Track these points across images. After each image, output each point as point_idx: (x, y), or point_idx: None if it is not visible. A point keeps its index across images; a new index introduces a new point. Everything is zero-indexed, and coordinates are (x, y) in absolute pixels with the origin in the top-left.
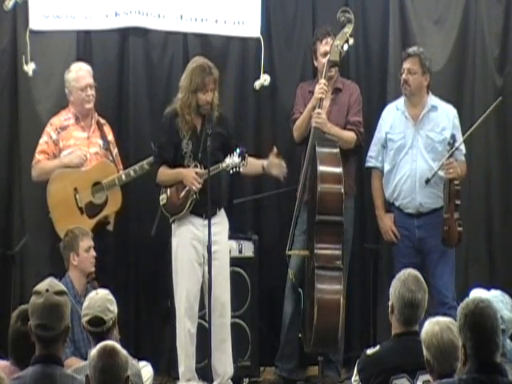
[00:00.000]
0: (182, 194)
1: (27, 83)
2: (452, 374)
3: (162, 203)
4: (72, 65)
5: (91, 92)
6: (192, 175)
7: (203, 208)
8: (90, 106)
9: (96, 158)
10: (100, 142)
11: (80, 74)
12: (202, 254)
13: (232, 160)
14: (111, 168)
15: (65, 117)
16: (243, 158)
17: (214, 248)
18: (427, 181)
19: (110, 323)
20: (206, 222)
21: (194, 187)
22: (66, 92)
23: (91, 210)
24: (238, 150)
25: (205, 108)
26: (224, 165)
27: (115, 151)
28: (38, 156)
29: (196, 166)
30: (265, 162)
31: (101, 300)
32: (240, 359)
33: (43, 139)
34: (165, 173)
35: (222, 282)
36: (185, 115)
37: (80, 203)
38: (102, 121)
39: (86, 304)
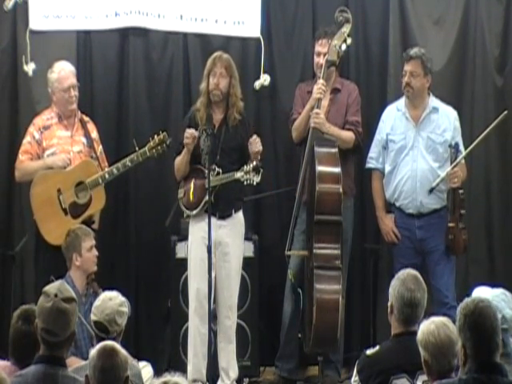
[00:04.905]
0: (198, 193)
1: (27, 83)
2: (451, 372)
3: (179, 196)
4: (55, 64)
5: (74, 93)
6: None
7: (216, 208)
8: (73, 106)
9: (80, 157)
10: (83, 140)
11: (62, 74)
12: (215, 254)
13: (246, 174)
14: (94, 167)
15: (47, 116)
16: (257, 172)
17: (224, 250)
18: (431, 190)
19: (114, 334)
20: (219, 221)
21: (186, 140)
22: (48, 91)
23: (75, 210)
24: (253, 163)
25: (214, 94)
26: (238, 175)
27: (100, 148)
28: (21, 157)
29: (213, 169)
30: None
31: (111, 309)
32: (240, 359)
33: (26, 139)
34: (177, 159)
35: (230, 284)
36: (201, 107)
37: (64, 204)
38: (86, 118)
39: (97, 303)
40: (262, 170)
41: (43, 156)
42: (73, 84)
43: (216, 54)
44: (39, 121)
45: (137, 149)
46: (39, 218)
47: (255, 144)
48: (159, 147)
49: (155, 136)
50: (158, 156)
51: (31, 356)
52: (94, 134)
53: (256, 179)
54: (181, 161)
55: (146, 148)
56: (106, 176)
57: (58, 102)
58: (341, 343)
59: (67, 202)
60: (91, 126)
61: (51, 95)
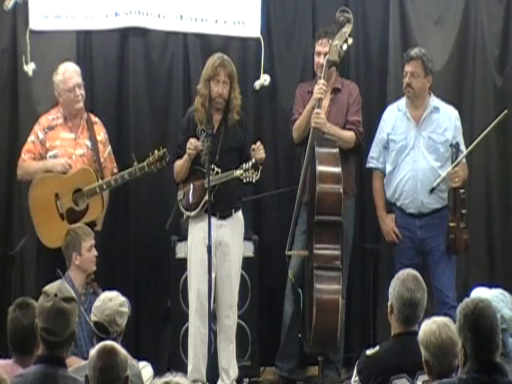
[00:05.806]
0: (197, 194)
1: (27, 83)
2: (451, 373)
3: (178, 198)
4: (59, 66)
5: (80, 92)
6: (190, 141)
7: (216, 207)
8: (80, 105)
9: (82, 160)
10: (88, 143)
11: (66, 75)
12: (215, 254)
13: (245, 172)
14: (92, 176)
15: (53, 116)
16: (256, 169)
17: (225, 250)
18: (432, 190)
19: (114, 335)
20: (220, 221)
21: (188, 151)
22: (55, 94)
23: (72, 216)
24: (252, 161)
25: (218, 101)
26: (237, 173)
27: (108, 149)
28: (23, 155)
29: (213, 169)
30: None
31: (111, 310)
32: (240, 359)
33: (30, 138)
34: (177, 163)
35: (231, 284)
36: (199, 107)
37: (61, 209)
38: (94, 119)
39: (97, 304)
40: (261, 167)
41: (46, 156)
42: (77, 83)
43: (216, 58)
44: (44, 120)
45: (135, 163)
46: (36, 220)
47: (259, 151)
48: (158, 163)
49: (155, 151)
50: (157, 171)
51: (32, 350)
52: (102, 136)
53: (255, 176)
54: (181, 166)
55: (145, 163)
56: (104, 186)
57: (65, 103)
58: (341, 343)
59: (64, 207)
60: (98, 128)
61: (58, 97)
